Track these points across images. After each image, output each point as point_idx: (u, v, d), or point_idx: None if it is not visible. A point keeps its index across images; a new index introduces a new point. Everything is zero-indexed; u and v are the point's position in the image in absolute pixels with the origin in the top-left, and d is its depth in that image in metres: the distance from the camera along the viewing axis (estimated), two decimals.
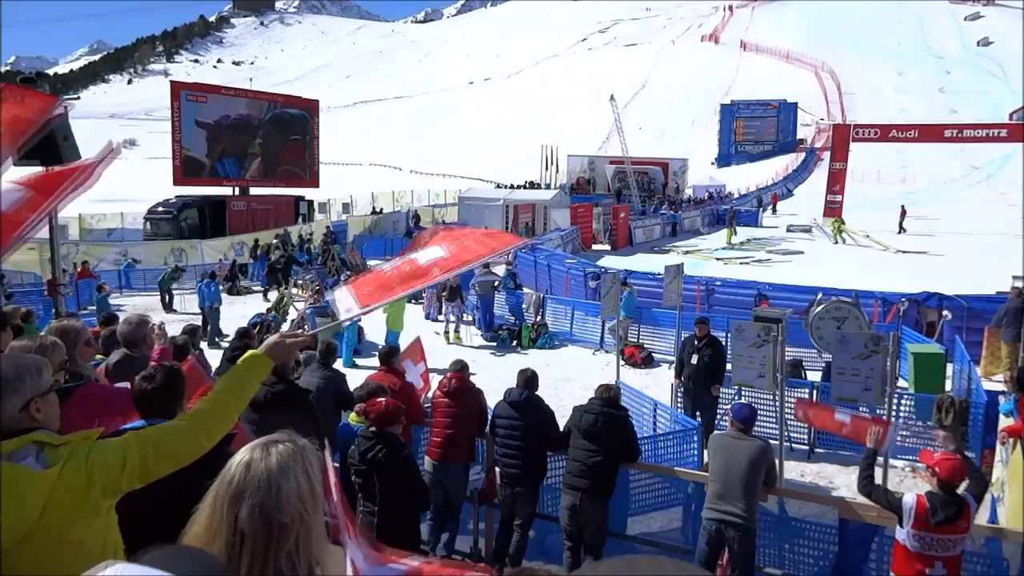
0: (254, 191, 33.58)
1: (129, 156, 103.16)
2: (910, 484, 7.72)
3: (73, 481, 1.85)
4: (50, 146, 7.16)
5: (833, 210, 38.60)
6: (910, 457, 8.03)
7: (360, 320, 13.76)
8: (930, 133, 42.37)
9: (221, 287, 17.87)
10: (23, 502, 1.77)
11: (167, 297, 19.43)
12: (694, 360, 9.15)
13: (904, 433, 8.43)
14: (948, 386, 10.19)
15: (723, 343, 9.58)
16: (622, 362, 11.85)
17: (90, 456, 1.90)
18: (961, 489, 4.42)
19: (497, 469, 6.16)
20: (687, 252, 29.51)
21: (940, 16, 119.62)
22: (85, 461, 1.89)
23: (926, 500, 4.27)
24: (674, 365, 10.18)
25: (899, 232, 35.26)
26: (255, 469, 1.48)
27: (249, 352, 2.39)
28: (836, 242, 33.21)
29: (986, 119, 55.52)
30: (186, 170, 31.13)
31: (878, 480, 4.93)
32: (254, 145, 34.06)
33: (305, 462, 1.53)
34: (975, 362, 10.68)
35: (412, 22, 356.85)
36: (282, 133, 35.55)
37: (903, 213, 36.81)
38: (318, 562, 1.53)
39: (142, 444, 2.01)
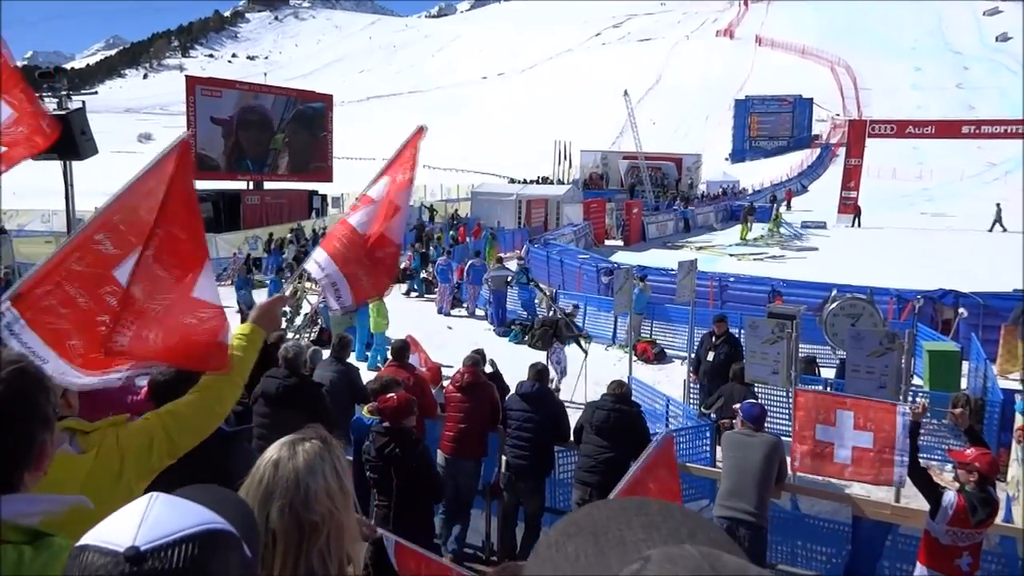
0: (268, 185, 33.68)
1: (144, 150, 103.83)
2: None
3: (107, 466, 1.87)
4: (68, 141, 7.24)
5: (848, 206, 38.36)
6: (924, 456, 7.97)
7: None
8: (947, 129, 41.90)
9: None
10: (63, 487, 1.78)
11: None
12: (710, 357, 9.17)
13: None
14: (964, 384, 10.10)
15: (740, 340, 9.55)
16: (634, 358, 11.85)
17: (120, 440, 1.94)
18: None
19: (504, 458, 6.18)
20: (700, 248, 29.33)
21: (958, 11, 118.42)
22: (116, 445, 1.92)
23: (965, 500, 4.29)
24: (691, 361, 10.20)
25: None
26: (283, 469, 1.47)
27: (245, 324, 2.48)
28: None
29: (1004, 115, 54.86)
30: (201, 165, 31.30)
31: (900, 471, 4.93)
32: (276, 141, 34.25)
33: (333, 458, 1.53)
34: (991, 360, 10.59)
35: (426, 17, 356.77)
36: (307, 130, 35.90)
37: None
38: (350, 559, 1.52)
39: (165, 422, 2.05)
